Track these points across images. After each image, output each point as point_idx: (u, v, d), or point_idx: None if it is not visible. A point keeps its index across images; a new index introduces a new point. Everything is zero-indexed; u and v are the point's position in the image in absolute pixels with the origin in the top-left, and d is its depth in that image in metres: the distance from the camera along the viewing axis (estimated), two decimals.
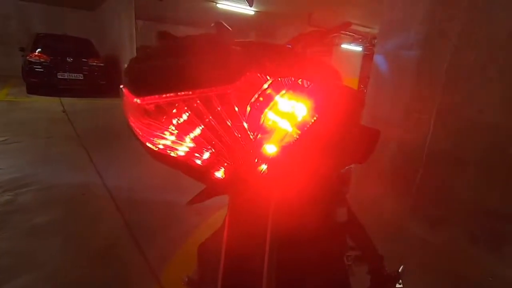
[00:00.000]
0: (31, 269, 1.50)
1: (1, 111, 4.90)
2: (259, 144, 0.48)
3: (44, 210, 2.04)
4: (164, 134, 0.48)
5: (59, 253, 1.64)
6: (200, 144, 0.48)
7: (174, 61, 0.46)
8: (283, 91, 0.46)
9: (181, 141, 0.48)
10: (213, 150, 0.49)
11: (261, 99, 0.45)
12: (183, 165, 0.51)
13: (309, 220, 0.63)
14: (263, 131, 0.48)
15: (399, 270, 0.94)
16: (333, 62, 10.17)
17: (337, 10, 7.08)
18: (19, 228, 1.82)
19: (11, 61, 8.57)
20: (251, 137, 0.47)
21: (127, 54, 7.36)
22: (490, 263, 1.68)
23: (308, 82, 0.48)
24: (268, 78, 0.45)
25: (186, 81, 0.43)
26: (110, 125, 4.84)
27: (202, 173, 0.51)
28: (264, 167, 0.50)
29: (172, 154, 0.50)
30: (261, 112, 0.46)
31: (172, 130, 0.47)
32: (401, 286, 0.92)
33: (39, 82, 6.53)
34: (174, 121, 0.46)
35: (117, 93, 7.57)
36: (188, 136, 0.48)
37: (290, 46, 0.95)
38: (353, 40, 9.82)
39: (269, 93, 0.46)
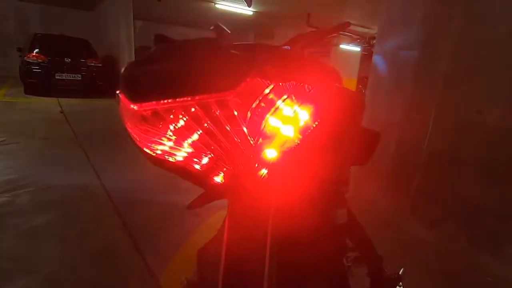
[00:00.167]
0: (28, 271, 1.48)
1: None
2: (259, 149, 0.48)
3: (41, 211, 2.02)
4: (161, 139, 0.47)
5: (57, 255, 1.62)
6: (198, 149, 0.48)
7: (172, 66, 0.45)
8: (285, 96, 0.45)
9: (179, 146, 0.48)
10: (212, 155, 0.48)
11: (262, 104, 0.45)
12: (182, 170, 0.50)
13: (308, 222, 0.63)
14: (264, 136, 0.47)
15: (400, 273, 0.94)
16: (332, 62, 10.19)
17: (336, 10, 7.10)
18: (16, 230, 1.80)
19: (9, 61, 8.55)
20: (251, 142, 0.47)
21: (125, 54, 7.34)
22: (489, 263, 1.68)
23: (310, 86, 0.47)
24: (269, 83, 0.44)
25: (184, 87, 0.42)
26: (108, 126, 4.82)
27: (201, 178, 0.51)
28: (264, 172, 0.49)
29: (170, 159, 0.49)
30: (262, 117, 0.45)
31: (169, 135, 0.46)
32: None
33: (37, 83, 6.51)
34: (172, 127, 0.45)
35: (115, 94, 7.55)
36: (186, 141, 0.47)
37: (288, 47, 0.95)
38: (352, 41, 9.85)
39: (270, 98, 0.45)
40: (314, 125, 0.48)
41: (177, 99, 0.42)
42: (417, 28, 1.98)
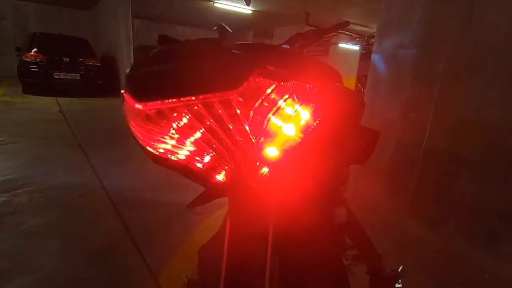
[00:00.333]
0: (28, 271, 1.49)
1: None
2: (261, 148, 0.48)
3: (41, 211, 2.02)
4: (164, 138, 0.48)
5: (56, 255, 1.62)
6: (201, 147, 0.48)
7: (176, 66, 0.46)
8: (286, 95, 0.46)
9: (182, 145, 0.48)
10: (214, 154, 0.49)
11: (265, 104, 0.45)
12: (184, 169, 0.51)
13: (308, 221, 0.63)
14: (266, 135, 0.48)
15: (399, 270, 0.94)
16: (330, 61, 10.20)
17: (335, 9, 7.10)
18: (15, 230, 1.80)
19: (7, 61, 8.50)
20: (253, 140, 0.47)
21: (124, 53, 7.32)
22: (488, 262, 1.69)
23: (311, 86, 0.48)
24: (271, 82, 0.45)
25: (188, 86, 0.43)
26: (107, 125, 4.81)
27: (203, 176, 0.51)
28: (265, 170, 0.50)
29: (173, 157, 0.50)
30: (264, 116, 0.46)
31: (172, 134, 0.47)
32: (400, 286, 0.92)
33: (35, 82, 6.48)
34: (174, 125, 0.46)
35: (114, 93, 7.54)
36: (188, 139, 0.48)
37: (287, 46, 0.95)
38: (351, 39, 9.85)
39: (272, 98, 0.46)
40: (315, 124, 0.49)
41: (181, 99, 0.43)
42: (415, 27, 1.98)
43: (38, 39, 6.92)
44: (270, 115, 0.46)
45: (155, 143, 0.48)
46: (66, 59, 6.75)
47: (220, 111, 0.44)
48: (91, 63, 7.10)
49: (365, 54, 9.19)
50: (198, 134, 0.47)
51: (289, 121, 0.47)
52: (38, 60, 6.46)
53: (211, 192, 0.55)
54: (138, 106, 0.44)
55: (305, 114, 0.48)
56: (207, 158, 0.49)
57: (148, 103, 0.44)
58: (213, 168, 0.50)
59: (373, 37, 3.11)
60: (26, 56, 6.44)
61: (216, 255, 0.56)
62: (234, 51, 0.48)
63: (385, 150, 2.18)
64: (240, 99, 0.44)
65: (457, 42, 1.78)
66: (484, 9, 1.66)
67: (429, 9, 1.91)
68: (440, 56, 1.85)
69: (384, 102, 2.25)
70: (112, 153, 3.32)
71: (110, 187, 2.45)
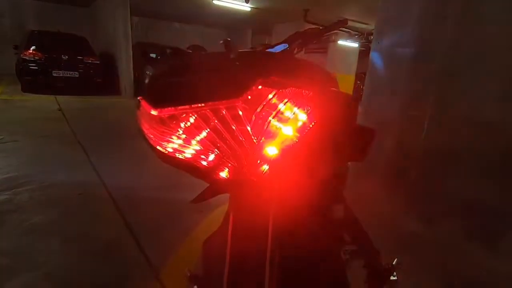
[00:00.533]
0: (30, 268, 1.50)
1: None
2: (261, 147, 0.53)
3: (42, 209, 2.04)
4: (172, 138, 0.53)
5: (58, 252, 1.64)
6: (206, 146, 0.53)
7: (188, 79, 0.53)
8: (285, 100, 0.51)
9: (188, 144, 0.53)
10: (218, 152, 0.53)
11: (266, 109, 0.51)
12: (190, 166, 0.56)
13: (308, 217, 0.66)
14: (266, 136, 0.52)
15: (393, 263, 0.97)
16: (329, 58, 10.19)
17: (334, 6, 7.08)
18: (17, 228, 1.82)
19: (5, 59, 8.46)
20: (255, 140, 0.52)
21: (123, 51, 7.29)
22: (484, 258, 1.72)
23: (307, 92, 0.53)
24: (272, 90, 0.50)
25: (199, 96, 0.50)
26: (107, 123, 4.82)
27: (208, 173, 0.56)
28: (266, 167, 0.54)
29: (180, 156, 0.55)
30: (266, 119, 0.51)
31: (180, 134, 0.52)
32: (395, 278, 0.94)
33: (34, 80, 6.46)
34: (182, 125, 0.52)
35: (113, 91, 7.53)
36: (195, 139, 0.53)
37: (286, 45, 0.97)
38: (350, 36, 9.83)
39: (273, 103, 0.51)
40: (311, 125, 0.53)
41: (193, 106, 0.49)
42: (413, 26, 1.99)
43: (36, 37, 6.89)
44: (270, 118, 0.51)
45: (165, 143, 0.54)
46: (65, 57, 6.73)
47: (224, 112, 0.49)
48: (90, 61, 7.07)
49: (364, 51, 9.17)
50: (203, 134, 0.52)
51: (288, 123, 0.52)
52: (36, 58, 6.43)
53: (215, 188, 0.60)
54: (154, 112, 0.51)
55: (302, 116, 0.53)
56: (211, 157, 0.54)
57: (163, 110, 0.51)
58: (217, 165, 0.55)
59: (372, 34, 3.12)
60: (25, 54, 6.41)
61: (219, 247, 0.60)
62: (238, 64, 0.54)
63: (383, 147, 2.20)
64: (245, 106, 0.49)
65: (454, 41, 1.79)
66: (479, 9, 1.68)
67: (426, 8, 1.92)
68: (437, 55, 1.87)
69: (382, 100, 2.27)
70: (112, 151, 3.34)
71: (110, 184, 2.47)
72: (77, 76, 6.89)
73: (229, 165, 0.54)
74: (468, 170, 1.80)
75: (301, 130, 0.53)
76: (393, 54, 2.16)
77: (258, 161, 0.54)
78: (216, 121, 0.50)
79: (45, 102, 5.75)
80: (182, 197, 2.18)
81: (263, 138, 0.52)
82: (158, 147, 0.55)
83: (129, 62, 7.42)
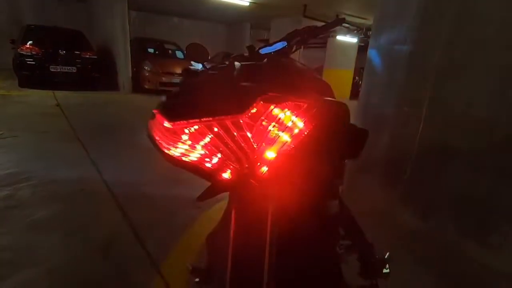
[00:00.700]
0: (32, 264, 1.52)
1: None
2: (261, 151, 0.60)
3: (43, 205, 2.06)
4: (180, 144, 0.61)
5: (60, 247, 1.67)
6: (210, 150, 0.61)
7: (199, 98, 0.63)
8: (283, 111, 0.59)
9: (194, 149, 0.61)
10: (221, 156, 0.61)
11: (266, 120, 0.59)
12: (195, 168, 0.64)
13: (304, 213, 0.70)
14: (266, 142, 0.59)
15: (386, 257, 1.01)
16: (329, 54, 10.17)
17: (332, 1, 7.05)
18: (19, 223, 1.84)
19: (2, 53, 8.38)
20: (255, 146, 0.60)
21: (120, 46, 7.25)
22: (478, 253, 1.76)
23: (303, 104, 0.60)
24: (271, 104, 0.58)
25: (207, 111, 0.58)
26: (105, 118, 4.83)
27: (211, 174, 0.63)
28: (265, 168, 0.61)
29: (186, 159, 0.63)
30: (266, 128, 0.59)
31: (185, 141, 0.61)
32: (388, 271, 0.98)
33: (31, 75, 6.43)
34: (187, 130, 0.60)
35: (111, 86, 7.50)
36: (199, 144, 0.61)
37: (285, 43, 0.99)
38: (349, 32, 9.80)
39: (273, 115, 0.58)
40: (306, 132, 0.60)
41: (202, 120, 0.58)
42: (410, 23, 2.01)
43: (33, 32, 6.84)
44: (270, 127, 0.58)
45: (173, 148, 0.62)
46: (62, 52, 6.69)
47: (227, 121, 0.58)
48: (88, 56, 7.03)
49: (363, 47, 9.16)
50: (207, 139, 0.60)
51: (285, 130, 0.59)
52: (34, 53, 6.39)
53: (217, 187, 0.66)
54: (168, 125, 0.59)
55: (298, 125, 0.60)
56: (215, 160, 0.62)
57: (177, 123, 0.59)
58: (220, 167, 0.62)
59: (370, 30, 3.13)
60: (22, 49, 6.37)
61: (222, 241, 0.67)
62: (243, 84, 0.63)
63: (380, 143, 2.23)
64: (249, 120, 0.58)
65: (450, 38, 1.81)
66: (475, 8, 1.70)
67: (423, 5, 1.93)
68: (434, 51, 1.89)
69: (380, 96, 2.30)
70: (111, 146, 3.35)
71: (110, 180, 2.49)
72: (74, 71, 6.85)
73: (231, 167, 0.62)
74: (463, 165, 1.83)
75: (297, 136, 0.60)
76: (390, 51, 2.18)
77: (258, 164, 0.60)
78: (219, 129, 0.58)
79: (43, 97, 5.74)
80: (180, 192, 2.23)
81: (263, 144, 0.59)
82: (167, 151, 0.62)
83: (127, 57, 7.38)
